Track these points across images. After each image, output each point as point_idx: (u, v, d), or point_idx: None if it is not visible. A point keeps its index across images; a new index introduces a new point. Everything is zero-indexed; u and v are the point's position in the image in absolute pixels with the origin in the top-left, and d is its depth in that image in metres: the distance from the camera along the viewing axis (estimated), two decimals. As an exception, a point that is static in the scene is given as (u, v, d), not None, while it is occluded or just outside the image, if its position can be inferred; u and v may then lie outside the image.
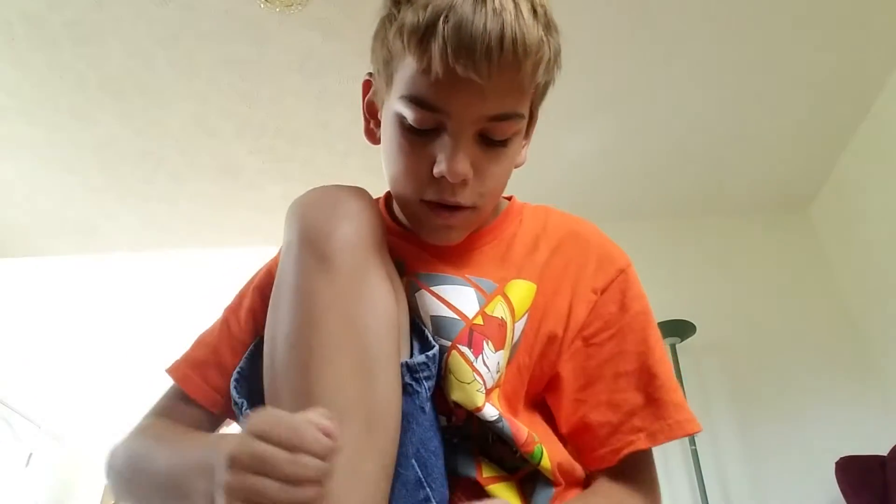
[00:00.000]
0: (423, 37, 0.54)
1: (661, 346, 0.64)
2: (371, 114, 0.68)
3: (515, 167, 0.67)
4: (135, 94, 2.53)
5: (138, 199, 3.14)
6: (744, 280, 3.04)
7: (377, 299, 0.55)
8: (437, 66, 0.53)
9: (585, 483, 0.63)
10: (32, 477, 4.48)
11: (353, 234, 0.55)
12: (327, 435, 0.41)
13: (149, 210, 3.23)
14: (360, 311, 0.53)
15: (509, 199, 0.75)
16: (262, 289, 0.70)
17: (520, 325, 0.62)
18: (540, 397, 0.66)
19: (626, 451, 0.59)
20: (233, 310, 0.72)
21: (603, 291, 0.66)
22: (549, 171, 2.90)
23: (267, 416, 0.43)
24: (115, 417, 5.01)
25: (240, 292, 0.74)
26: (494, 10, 0.52)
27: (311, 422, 0.42)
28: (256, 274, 0.74)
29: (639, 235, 2.93)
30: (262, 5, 2.16)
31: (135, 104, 2.57)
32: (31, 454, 4.49)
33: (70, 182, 3.00)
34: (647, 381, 0.61)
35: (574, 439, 0.63)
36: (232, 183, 3.05)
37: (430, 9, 0.53)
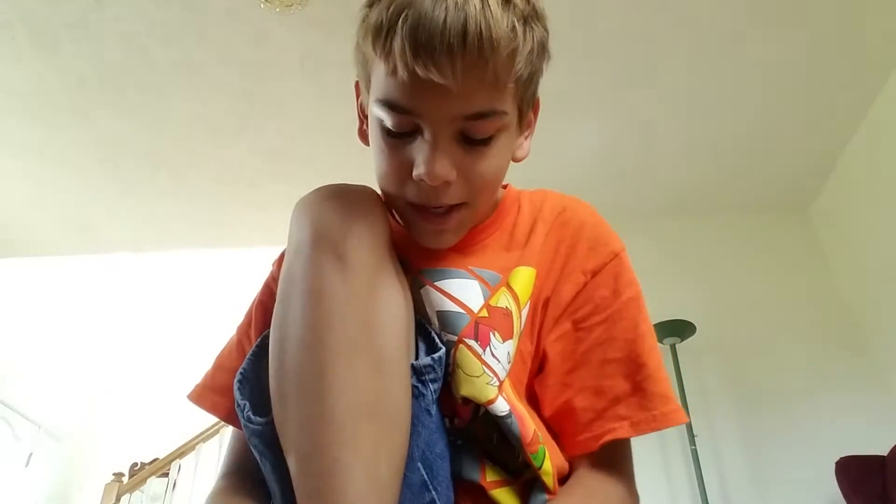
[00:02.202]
0: (385, 37, 0.52)
1: (651, 335, 0.62)
2: (364, 115, 0.67)
3: (517, 161, 0.65)
4: (135, 94, 2.53)
5: (138, 199, 3.14)
6: (744, 280, 3.04)
7: (391, 299, 0.54)
8: (400, 67, 0.51)
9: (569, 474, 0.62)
10: (32, 477, 4.48)
11: (367, 232, 0.54)
12: None
13: (149, 209, 3.23)
14: (375, 310, 0.52)
15: (505, 187, 0.73)
16: (264, 304, 0.70)
17: (525, 313, 0.61)
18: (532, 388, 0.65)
19: (607, 438, 0.57)
20: (244, 331, 0.72)
21: (595, 274, 0.64)
22: (546, 170, 2.90)
23: None
24: (114, 418, 5.02)
25: (247, 312, 0.74)
26: (456, 3, 0.49)
27: None
28: (258, 292, 0.74)
29: (638, 235, 2.91)
30: (262, 5, 2.16)
31: (135, 104, 2.57)
32: (31, 454, 4.49)
33: (70, 181, 3.00)
34: (635, 370, 0.60)
35: (556, 423, 0.62)
36: (232, 182, 3.05)
37: (392, 7, 0.51)
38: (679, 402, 0.60)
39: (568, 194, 0.72)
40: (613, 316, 0.62)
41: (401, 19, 0.50)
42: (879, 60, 2.45)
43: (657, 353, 0.62)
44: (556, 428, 0.62)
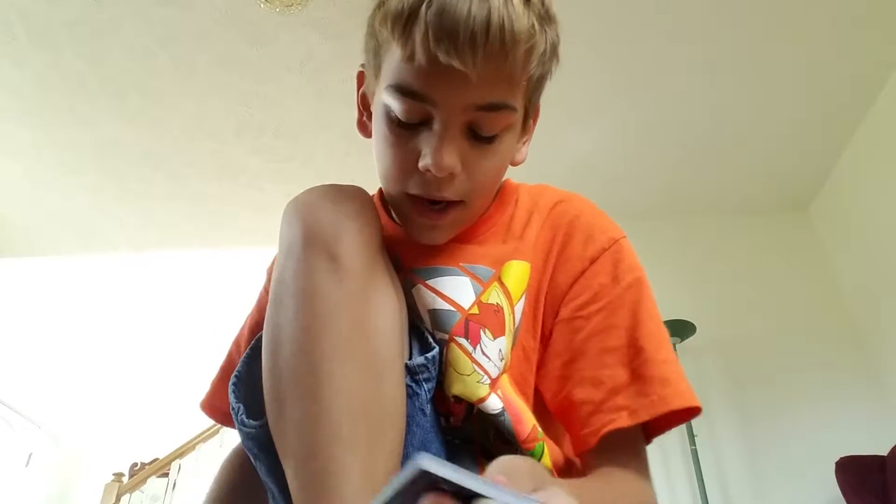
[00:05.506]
0: (406, 23, 0.52)
1: (654, 320, 0.60)
2: (364, 106, 0.67)
3: (514, 165, 0.65)
4: (135, 94, 2.53)
5: (138, 199, 3.14)
6: (744, 280, 3.04)
7: (384, 300, 0.54)
8: (419, 53, 0.52)
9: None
10: (32, 477, 4.48)
11: (359, 233, 0.54)
12: None
13: (149, 210, 3.23)
14: (369, 312, 0.52)
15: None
16: (261, 311, 0.70)
17: (519, 308, 0.61)
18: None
19: (605, 431, 0.55)
20: (244, 339, 0.73)
21: (593, 261, 0.62)
22: (548, 170, 2.90)
23: None
24: (114, 418, 5.02)
25: (244, 321, 0.74)
26: None
27: None
28: (255, 303, 0.74)
29: (638, 235, 2.92)
30: (262, 5, 2.16)
31: (135, 104, 2.57)
32: (31, 454, 4.49)
33: (70, 182, 3.00)
34: (633, 357, 0.58)
35: (561, 418, 0.61)
36: (232, 183, 3.05)
37: None
38: (686, 384, 0.57)
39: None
40: (613, 303, 0.60)
41: (424, 5, 0.51)
42: (879, 60, 2.45)
43: (659, 337, 0.60)
44: (563, 424, 0.62)
